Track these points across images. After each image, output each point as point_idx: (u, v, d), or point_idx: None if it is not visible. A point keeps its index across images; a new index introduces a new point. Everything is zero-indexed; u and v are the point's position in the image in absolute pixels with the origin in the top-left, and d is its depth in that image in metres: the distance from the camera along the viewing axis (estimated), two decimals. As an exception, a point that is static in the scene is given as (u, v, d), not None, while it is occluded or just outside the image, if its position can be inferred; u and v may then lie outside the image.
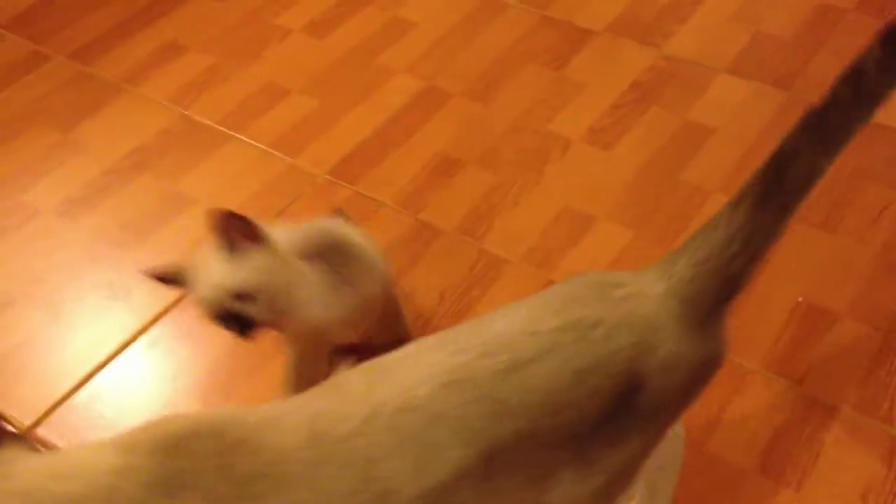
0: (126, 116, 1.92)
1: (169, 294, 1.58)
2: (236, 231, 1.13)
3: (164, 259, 1.64)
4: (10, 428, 1.13)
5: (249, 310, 1.14)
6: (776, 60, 1.96)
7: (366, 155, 1.81)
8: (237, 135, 1.87)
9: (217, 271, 1.13)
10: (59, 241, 1.68)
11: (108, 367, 1.50)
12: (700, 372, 0.97)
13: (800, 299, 1.52)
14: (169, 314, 1.56)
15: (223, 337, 1.51)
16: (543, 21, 2.09)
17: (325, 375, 1.23)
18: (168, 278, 1.16)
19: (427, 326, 1.52)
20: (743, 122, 1.83)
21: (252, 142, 1.85)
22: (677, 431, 1.23)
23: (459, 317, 1.53)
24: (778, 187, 0.93)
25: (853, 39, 1.99)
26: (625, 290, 0.94)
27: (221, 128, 1.89)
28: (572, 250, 1.62)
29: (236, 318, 1.14)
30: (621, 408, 0.92)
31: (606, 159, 1.78)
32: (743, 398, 1.40)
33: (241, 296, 1.13)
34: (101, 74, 2.01)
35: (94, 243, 1.68)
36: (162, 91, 1.97)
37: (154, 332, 1.53)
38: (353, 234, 1.32)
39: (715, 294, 0.96)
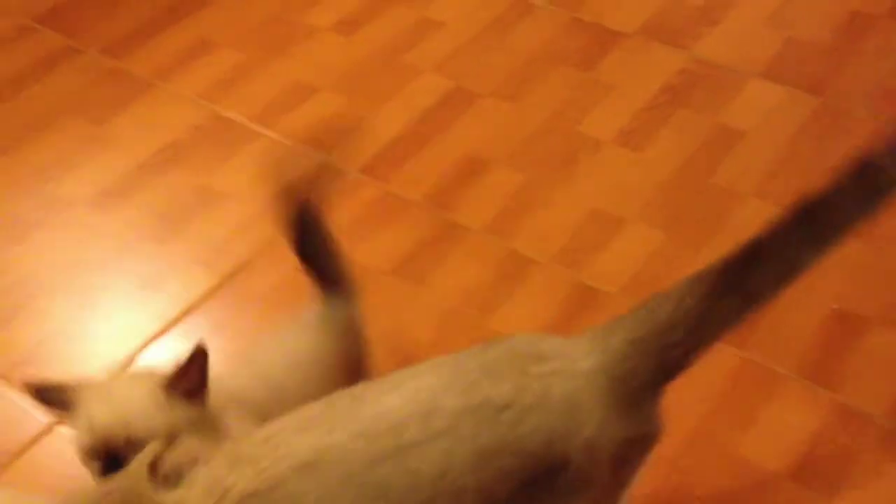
0: (157, 112, 1.92)
1: (202, 286, 1.59)
2: (194, 374, 0.96)
3: (195, 251, 1.65)
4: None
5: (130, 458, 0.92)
6: (809, 65, 1.95)
7: (394, 153, 1.81)
8: (266, 131, 1.87)
9: (132, 405, 0.94)
10: (93, 233, 1.69)
11: (141, 356, 1.50)
12: (630, 452, 0.91)
13: (834, 306, 1.51)
14: (202, 306, 1.56)
15: (256, 330, 1.52)
16: (573, 23, 2.08)
17: None
18: (52, 397, 0.98)
19: (458, 325, 1.51)
20: (775, 127, 1.82)
21: (281, 138, 1.86)
22: None
23: (488, 315, 1.52)
24: (745, 280, 0.86)
25: (885, 46, 1.97)
26: (548, 366, 0.87)
27: (251, 124, 1.89)
28: (603, 252, 1.61)
29: (113, 461, 0.94)
30: (541, 488, 0.86)
31: (637, 161, 1.77)
32: (776, 404, 1.39)
33: (133, 441, 0.94)
34: (132, 70, 2.02)
35: (127, 235, 1.68)
36: (192, 87, 1.97)
37: (187, 323, 1.54)
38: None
39: (649, 376, 0.89)
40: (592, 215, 1.68)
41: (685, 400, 1.40)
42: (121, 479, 0.84)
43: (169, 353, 1.50)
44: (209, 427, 0.98)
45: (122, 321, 1.55)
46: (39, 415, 1.43)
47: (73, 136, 1.88)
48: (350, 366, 1.21)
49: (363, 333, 1.24)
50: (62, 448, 1.39)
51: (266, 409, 1.05)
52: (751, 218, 1.66)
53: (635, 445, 0.91)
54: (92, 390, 0.97)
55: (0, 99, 1.96)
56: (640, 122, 1.85)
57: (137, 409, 0.94)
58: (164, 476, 0.88)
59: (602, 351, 0.89)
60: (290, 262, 1.62)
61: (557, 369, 0.87)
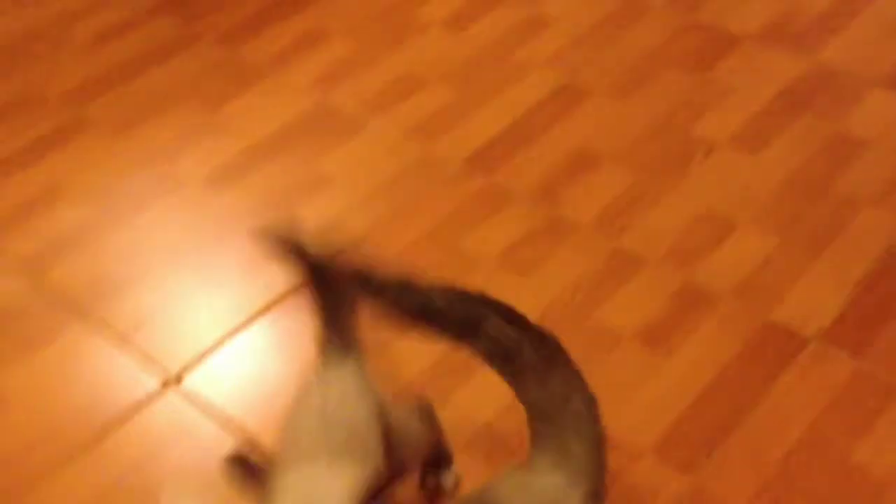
0: (269, 99, 2.02)
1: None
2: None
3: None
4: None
5: None
6: (937, 74, 1.93)
7: (501, 147, 1.86)
8: (374, 121, 1.94)
9: None
10: (204, 212, 1.78)
11: (247, 329, 1.58)
12: None
13: (956, 318, 1.49)
14: (304, 288, 1.63)
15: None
16: (690, 23, 2.10)
17: None
18: (248, 471, 1.06)
19: (561, 318, 1.55)
20: (899, 136, 1.81)
21: (388, 129, 1.92)
22: None
23: (593, 310, 1.55)
24: None
25: None
26: None
27: (359, 114, 1.96)
28: (713, 254, 1.63)
29: None
30: None
31: (752, 165, 1.78)
32: (891, 412, 1.38)
33: None
34: (246, 57, 2.12)
35: (236, 216, 1.77)
36: (304, 76, 2.06)
37: (289, 303, 1.61)
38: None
39: None
40: (704, 217, 1.69)
41: (794, 404, 1.41)
42: None
43: (275, 328, 1.57)
44: None
45: (230, 296, 1.63)
46: (150, 380, 1.52)
47: (187, 119, 1.99)
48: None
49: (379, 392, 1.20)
50: (170, 414, 1.47)
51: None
52: (868, 228, 1.65)
53: None
54: (285, 487, 0.99)
55: (120, 82, 2.08)
56: (756, 126, 1.85)
57: None
58: None
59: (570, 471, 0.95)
60: (391, 250, 1.69)
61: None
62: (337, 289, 1.22)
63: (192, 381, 1.51)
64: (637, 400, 1.43)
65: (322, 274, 1.22)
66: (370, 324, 1.57)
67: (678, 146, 1.83)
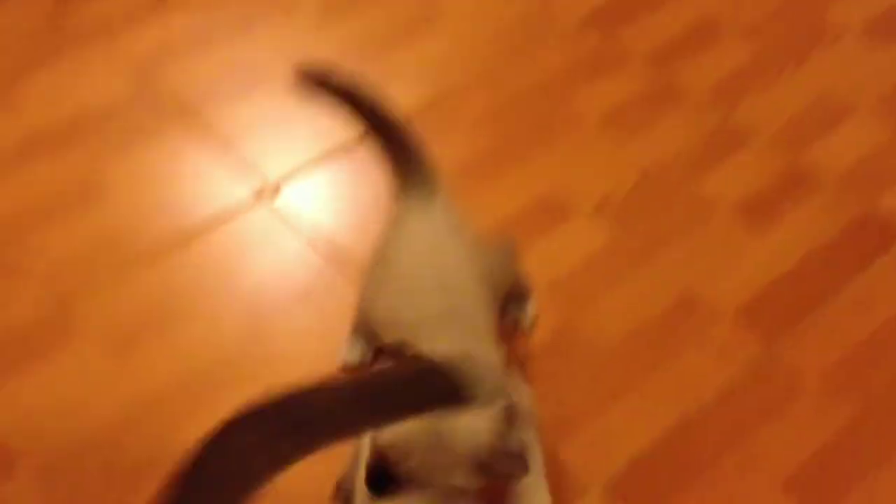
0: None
1: (418, 99, 1.71)
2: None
3: (418, 65, 1.75)
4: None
5: None
6: None
7: (621, 8, 1.86)
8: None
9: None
10: (316, 37, 1.83)
11: (346, 152, 1.64)
12: None
13: None
14: (413, 120, 1.68)
15: (458, 145, 1.63)
16: None
17: None
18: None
19: (660, 183, 1.58)
20: None
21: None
22: None
23: (692, 179, 1.58)
24: None
25: None
26: None
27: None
28: (824, 139, 1.63)
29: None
30: None
31: (879, 56, 1.75)
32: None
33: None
34: None
35: (346, 44, 1.81)
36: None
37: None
38: None
39: None
40: (820, 101, 1.69)
41: (882, 293, 1.43)
42: None
43: (368, 156, 1.64)
44: None
45: (334, 118, 1.68)
46: (245, 188, 1.60)
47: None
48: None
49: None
50: (260, 225, 1.55)
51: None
52: None
53: None
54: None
55: None
56: (890, 19, 1.82)
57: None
58: None
59: None
60: (496, 99, 1.72)
61: None
62: (398, 129, 1.23)
63: (287, 194, 1.59)
64: (727, 267, 1.47)
65: (379, 115, 1.24)
66: (455, 168, 1.63)
67: (806, 28, 1.81)
